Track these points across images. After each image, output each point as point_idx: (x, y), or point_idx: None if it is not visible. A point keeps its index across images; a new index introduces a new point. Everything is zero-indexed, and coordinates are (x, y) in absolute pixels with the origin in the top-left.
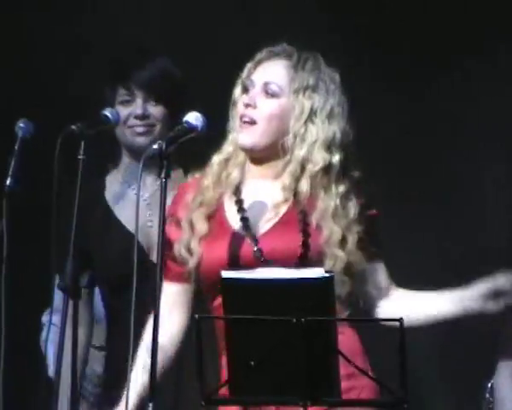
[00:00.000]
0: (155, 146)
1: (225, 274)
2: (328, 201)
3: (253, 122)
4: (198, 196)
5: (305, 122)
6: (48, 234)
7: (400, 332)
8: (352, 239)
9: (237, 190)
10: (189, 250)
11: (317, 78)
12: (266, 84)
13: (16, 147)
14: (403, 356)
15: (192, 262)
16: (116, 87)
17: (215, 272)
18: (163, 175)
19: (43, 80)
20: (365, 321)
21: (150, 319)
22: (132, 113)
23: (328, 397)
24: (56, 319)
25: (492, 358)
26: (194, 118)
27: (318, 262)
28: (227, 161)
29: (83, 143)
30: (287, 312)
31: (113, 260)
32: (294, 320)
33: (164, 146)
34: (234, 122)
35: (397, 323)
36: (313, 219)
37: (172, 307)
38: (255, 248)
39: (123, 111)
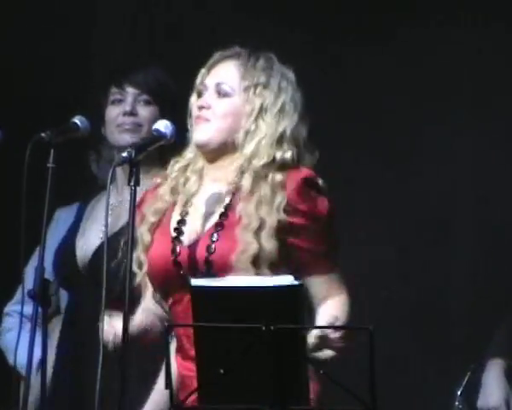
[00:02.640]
0: (125, 154)
1: (194, 282)
2: (263, 190)
3: (206, 120)
4: (151, 206)
5: (256, 119)
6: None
7: (370, 341)
8: (269, 224)
9: (187, 202)
10: (139, 265)
11: (268, 75)
12: (218, 85)
13: None
14: (371, 365)
15: (140, 275)
16: (109, 87)
17: (155, 277)
18: (132, 183)
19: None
20: (333, 328)
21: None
22: (122, 111)
23: (297, 405)
24: (26, 309)
25: (461, 367)
26: (163, 126)
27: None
28: (186, 167)
29: (52, 151)
30: (256, 319)
31: (81, 264)
32: (263, 328)
33: (133, 154)
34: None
35: None
36: (237, 214)
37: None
38: (173, 258)
39: (113, 110)
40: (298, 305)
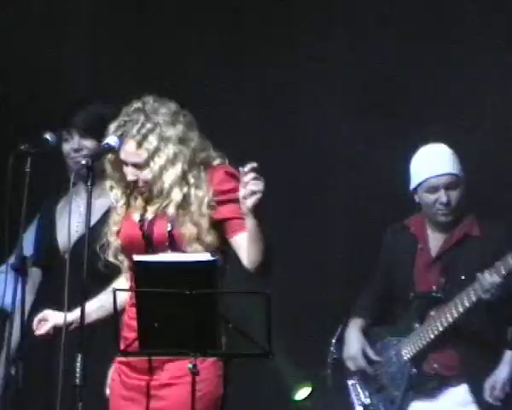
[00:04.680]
0: (83, 162)
1: (137, 257)
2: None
3: (142, 186)
4: (112, 219)
5: (152, 157)
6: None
7: (266, 302)
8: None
9: (144, 211)
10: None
11: (149, 125)
12: (134, 165)
13: None
14: (268, 320)
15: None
16: (60, 131)
17: (126, 249)
18: (89, 183)
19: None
20: (233, 293)
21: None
22: (72, 147)
23: (213, 350)
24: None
25: (336, 322)
26: (112, 141)
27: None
28: (120, 182)
29: (29, 159)
30: (182, 286)
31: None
32: (187, 292)
33: (90, 161)
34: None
35: None
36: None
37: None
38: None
39: (66, 147)
40: (213, 274)
